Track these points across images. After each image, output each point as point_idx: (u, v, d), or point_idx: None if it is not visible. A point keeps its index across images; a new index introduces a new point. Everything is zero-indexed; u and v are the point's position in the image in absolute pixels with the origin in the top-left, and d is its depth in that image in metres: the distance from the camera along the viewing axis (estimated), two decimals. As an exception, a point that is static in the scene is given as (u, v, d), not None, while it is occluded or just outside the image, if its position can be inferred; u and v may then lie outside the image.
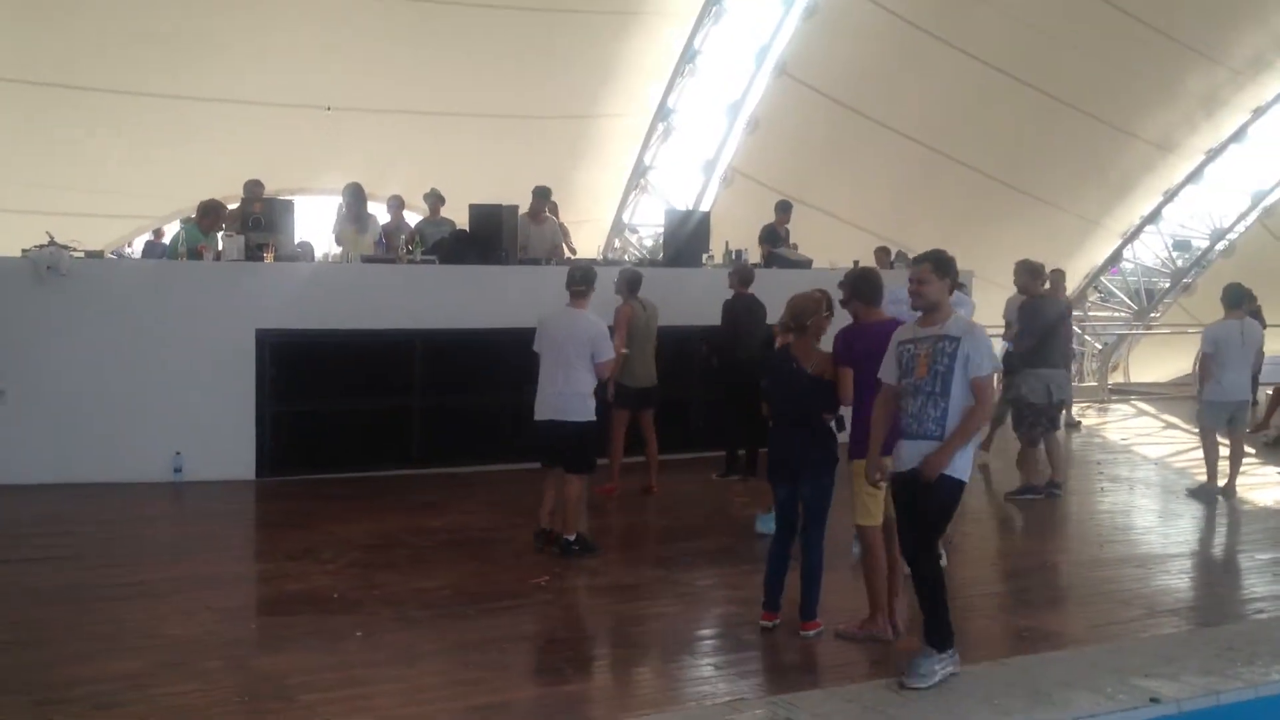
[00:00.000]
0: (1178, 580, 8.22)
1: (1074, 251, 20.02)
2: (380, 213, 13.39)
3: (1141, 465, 12.83)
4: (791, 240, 14.07)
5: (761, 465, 9.20)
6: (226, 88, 15.53)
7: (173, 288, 10.25)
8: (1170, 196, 21.56)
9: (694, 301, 11.20)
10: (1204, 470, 10.70)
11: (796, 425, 6.50)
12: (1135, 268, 23.17)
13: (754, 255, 13.22)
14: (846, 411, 6.50)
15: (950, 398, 5.61)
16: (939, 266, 5.79)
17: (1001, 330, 11.89)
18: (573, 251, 13.97)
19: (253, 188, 12.00)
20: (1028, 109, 18.29)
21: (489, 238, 11.36)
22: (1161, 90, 18.88)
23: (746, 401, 9.22)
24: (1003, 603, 7.63)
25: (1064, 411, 12.69)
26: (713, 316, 10.91)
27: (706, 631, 6.81)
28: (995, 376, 6.07)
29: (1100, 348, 22.28)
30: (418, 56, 16.43)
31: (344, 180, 12.86)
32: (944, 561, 7.83)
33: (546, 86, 17.57)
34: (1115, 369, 21.32)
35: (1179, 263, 22.74)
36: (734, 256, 12.82)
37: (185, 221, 11.47)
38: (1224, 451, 10.76)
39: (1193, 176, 21.21)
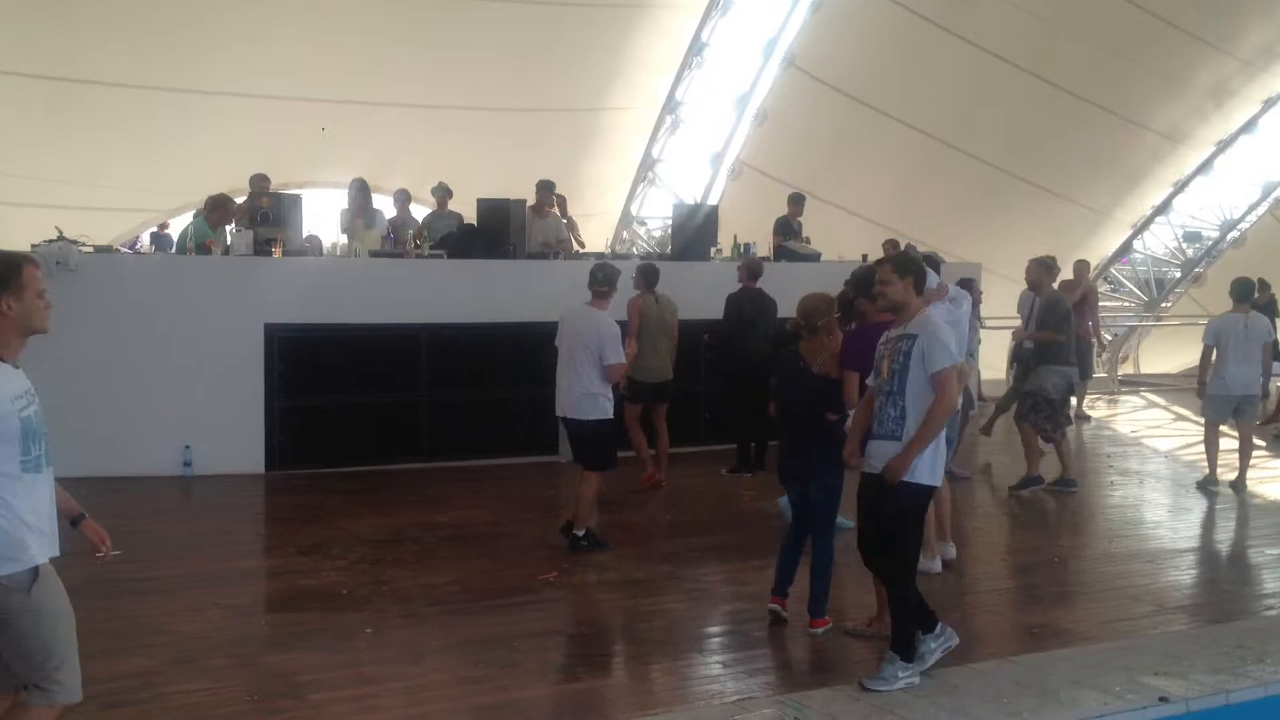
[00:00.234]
0: (1188, 576, 8.22)
1: (1083, 243, 19.91)
2: (387, 206, 13.39)
3: (1151, 458, 12.83)
4: (804, 233, 14.03)
5: (771, 459, 9.22)
6: (232, 81, 15.49)
7: (182, 283, 10.28)
8: (1180, 187, 21.48)
9: (702, 295, 11.15)
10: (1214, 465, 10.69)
11: (803, 426, 6.48)
12: (1145, 259, 23.09)
13: (764, 248, 13.19)
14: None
15: (906, 396, 5.59)
16: (899, 267, 5.82)
17: (1016, 323, 11.90)
18: (581, 245, 13.95)
19: (259, 182, 11.99)
20: (1036, 100, 18.21)
21: (497, 232, 11.36)
22: (1171, 81, 18.78)
23: (754, 395, 9.24)
24: (1012, 599, 7.63)
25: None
26: (721, 310, 10.90)
27: (715, 629, 6.81)
28: (960, 369, 6.01)
29: (1110, 339, 22.20)
30: (425, 50, 16.37)
31: (350, 174, 12.85)
32: (952, 555, 7.87)
33: (554, 80, 17.52)
34: (1125, 360, 21.28)
35: (1189, 252, 22.67)
36: (743, 250, 12.80)
37: (195, 216, 11.49)
38: (1233, 445, 10.74)
39: (1203, 168, 21.12)
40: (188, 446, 9.97)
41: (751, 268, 11.03)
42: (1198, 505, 10.24)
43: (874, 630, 6.33)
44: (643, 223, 21.53)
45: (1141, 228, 22.14)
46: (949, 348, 5.63)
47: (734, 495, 10.15)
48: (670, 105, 19.39)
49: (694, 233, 12.70)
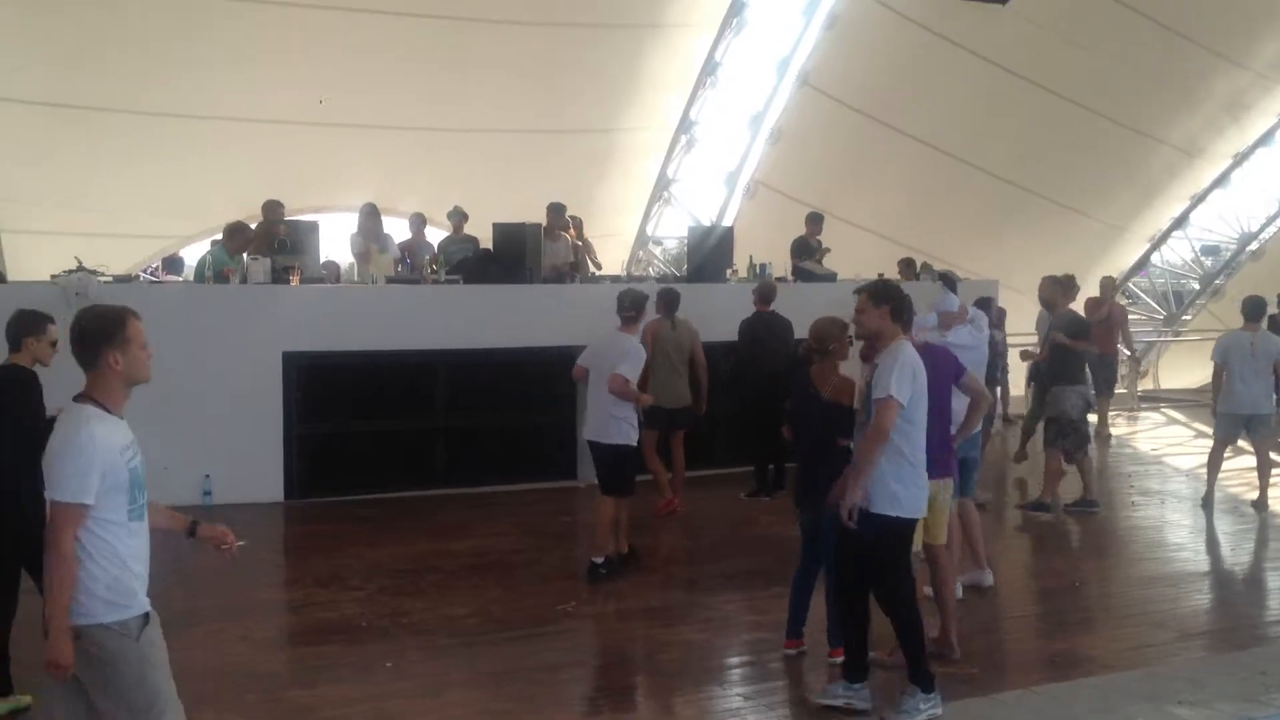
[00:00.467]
0: (1210, 600, 8.16)
1: (1100, 258, 19.85)
2: (401, 229, 13.42)
3: (1173, 477, 12.73)
4: (824, 250, 13.97)
5: (789, 482, 9.20)
6: (246, 106, 15.58)
7: (201, 311, 10.31)
8: (1197, 201, 21.40)
9: (718, 317, 11.12)
10: (1237, 484, 10.62)
11: (816, 450, 6.45)
12: (1163, 272, 23.00)
13: (780, 268, 13.14)
14: None
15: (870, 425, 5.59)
16: (874, 295, 5.77)
17: (1034, 341, 11.89)
18: (598, 267, 13.98)
19: (273, 208, 11.92)
20: (1051, 115, 18.16)
21: (513, 256, 11.37)
22: (1186, 95, 18.72)
23: (770, 417, 9.22)
24: (1034, 626, 7.59)
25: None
26: (737, 332, 10.89)
27: (734, 659, 6.80)
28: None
29: (1129, 354, 22.12)
30: (438, 73, 16.44)
31: (363, 198, 12.90)
32: (989, 583, 7.83)
33: (568, 101, 17.58)
34: (1145, 375, 21.16)
35: (1208, 264, 22.57)
36: (758, 271, 12.76)
37: (212, 244, 11.53)
38: (1243, 464, 10.67)
39: (1220, 181, 21.05)
40: (208, 476, 10.00)
41: (764, 292, 11.01)
42: (1219, 526, 10.16)
43: (894, 660, 6.28)
44: (659, 243, 21.54)
45: (1159, 242, 22.06)
46: (894, 377, 5.47)
47: (752, 519, 10.12)
48: (685, 125, 19.41)
49: (709, 254, 12.65)
